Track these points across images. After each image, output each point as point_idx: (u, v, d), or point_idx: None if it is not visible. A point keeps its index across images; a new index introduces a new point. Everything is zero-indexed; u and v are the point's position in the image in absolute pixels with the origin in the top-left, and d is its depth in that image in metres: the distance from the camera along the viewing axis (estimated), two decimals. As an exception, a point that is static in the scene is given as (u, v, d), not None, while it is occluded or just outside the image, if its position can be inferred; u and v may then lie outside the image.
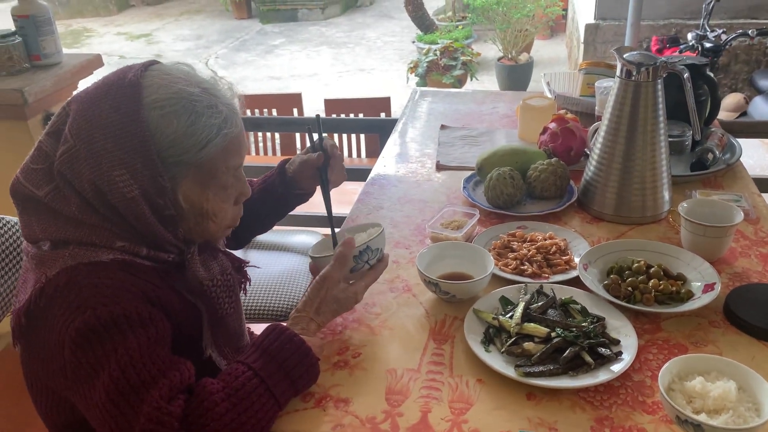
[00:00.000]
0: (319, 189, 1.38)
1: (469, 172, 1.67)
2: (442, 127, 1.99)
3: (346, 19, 8.93)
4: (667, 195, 1.45)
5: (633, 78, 1.36)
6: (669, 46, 3.95)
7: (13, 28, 2.16)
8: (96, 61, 2.30)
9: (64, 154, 0.96)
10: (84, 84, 2.31)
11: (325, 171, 1.33)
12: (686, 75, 1.37)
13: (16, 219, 1.34)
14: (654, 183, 1.42)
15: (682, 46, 3.76)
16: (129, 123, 0.95)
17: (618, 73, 1.39)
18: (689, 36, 3.66)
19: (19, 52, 2.10)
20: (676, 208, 1.33)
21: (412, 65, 5.59)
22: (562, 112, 1.73)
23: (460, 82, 5.49)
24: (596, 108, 1.80)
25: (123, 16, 9.90)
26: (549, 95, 1.94)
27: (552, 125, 1.65)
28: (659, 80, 1.36)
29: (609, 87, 1.47)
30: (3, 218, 1.38)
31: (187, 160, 0.99)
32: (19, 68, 2.10)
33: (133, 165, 0.95)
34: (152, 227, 0.99)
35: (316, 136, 1.36)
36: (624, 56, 1.36)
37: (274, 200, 1.41)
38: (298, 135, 3.19)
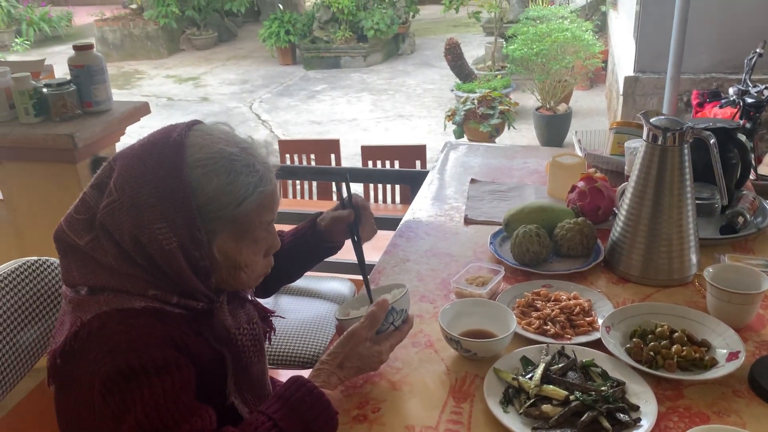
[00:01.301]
0: (348, 242, 1.43)
1: (497, 228, 1.69)
2: (472, 181, 2.02)
3: (387, 66, 9.13)
4: (694, 258, 1.45)
5: (659, 142, 1.38)
6: (710, 100, 3.93)
7: (69, 77, 2.29)
8: (143, 109, 2.41)
9: (108, 206, 1.02)
10: (131, 130, 2.42)
11: (356, 228, 1.37)
12: (712, 141, 1.37)
13: (58, 261, 1.41)
14: (681, 246, 1.42)
15: (723, 101, 3.74)
16: (172, 180, 1.00)
17: (644, 136, 1.41)
18: (731, 91, 3.64)
19: (73, 99, 2.22)
20: (704, 271, 1.33)
21: (449, 113, 5.67)
22: (591, 170, 1.74)
23: (497, 131, 5.53)
24: (626, 168, 1.81)
25: (173, 59, 10.30)
26: (579, 153, 1.96)
27: (580, 184, 1.67)
28: (686, 145, 1.38)
29: (638, 148, 1.48)
30: (48, 260, 1.45)
31: (224, 216, 1.04)
32: (71, 114, 2.22)
33: (174, 219, 1.00)
34: (186, 277, 1.04)
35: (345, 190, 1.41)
36: (651, 121, 1.38)
37: (304, 252, 1.45)
38: (334, 184, 3.26)
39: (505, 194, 1.93)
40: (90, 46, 2.26)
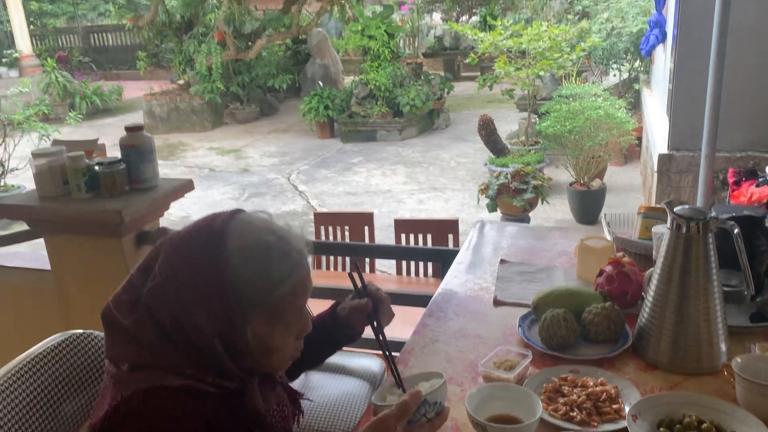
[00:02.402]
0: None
1: (526, 310, 1.71)
2: (502, 261, 2.06)
3: (422, 140, 9.34)
4: (723, 346, 1.44)
5: (683, 231, 1.40)
6: (746, 178, 3.92)
7: (119, 154, 2.43)
8: (188, 186, 2.52)
9: (152, 289, 1.09)
10: (175, 205, 2.52)
11: (375, 316, 1.41)
12: (736, 231, 1.40)
13: (101, 335, 1.48)
14: (709, 334, 1.42)
15: (760, 179, 3.73)
16: (212, 267, 1.08)
17: (669, 225, 1.44)
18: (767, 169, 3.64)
19: (122, 177, 2.34)
20: (732, 362, 1.32)
21: (483, 187, 5.74)
22: (619, 255, 1.76)
23: (530, 206, 5.57)
24: (654, 252, 1.83)
25: (216, 132, 10.72)
26: (608, 236, 1.99)
27: (608, 268, 1.69)
28: (710, 234, 1.40)
29: (664, 233, 1.51)
30: (92, 333, 1.51)
31: (259, 301, 1.10)
32: (120, 191, 2.34)
33: (211, 304, 1.07)
34: (221, 359, 1.09)
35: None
36: (674, 210, 1.41)
37: (324, 340, 1.48)
38: (367, 259, 3.33)
39: (534, 276, 1.95)
40: (140, 128, 2.40)
